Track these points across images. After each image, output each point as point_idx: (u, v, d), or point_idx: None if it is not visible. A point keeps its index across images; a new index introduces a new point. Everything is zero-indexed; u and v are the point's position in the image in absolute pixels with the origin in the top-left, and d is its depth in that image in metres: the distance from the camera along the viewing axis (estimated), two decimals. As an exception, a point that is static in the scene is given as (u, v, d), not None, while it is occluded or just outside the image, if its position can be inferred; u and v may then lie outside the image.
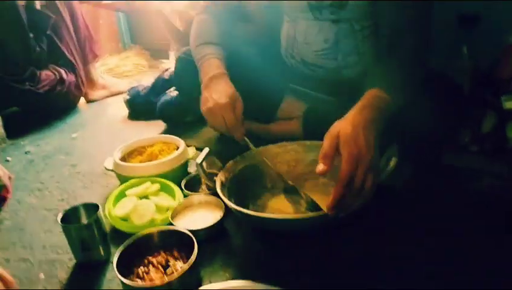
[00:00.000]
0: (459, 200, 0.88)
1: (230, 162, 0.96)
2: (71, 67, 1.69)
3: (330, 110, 1.10)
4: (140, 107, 1.62)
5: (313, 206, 0.86)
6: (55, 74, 1.63)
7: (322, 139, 0.97)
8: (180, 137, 1.16)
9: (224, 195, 0.83)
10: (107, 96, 1.89)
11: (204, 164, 0.94)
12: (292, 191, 0.94)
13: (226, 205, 0.85)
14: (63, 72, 1.65)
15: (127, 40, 2.50)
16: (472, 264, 0.72)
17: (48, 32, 1.63)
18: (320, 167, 0.68)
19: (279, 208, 0.92)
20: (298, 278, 0.74)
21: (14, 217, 1.02)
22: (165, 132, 1.46)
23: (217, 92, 0.97)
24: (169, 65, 2.16)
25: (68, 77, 1.67)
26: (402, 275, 0.71)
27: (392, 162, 0.72)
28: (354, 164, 0.66)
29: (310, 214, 0.78)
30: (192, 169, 1.14)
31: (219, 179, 0.88)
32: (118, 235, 0.87)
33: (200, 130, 1.41)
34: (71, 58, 1.69)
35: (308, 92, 1.19)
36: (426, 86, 0.89)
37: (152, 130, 1.48)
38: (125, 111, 1.68)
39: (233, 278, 0.76)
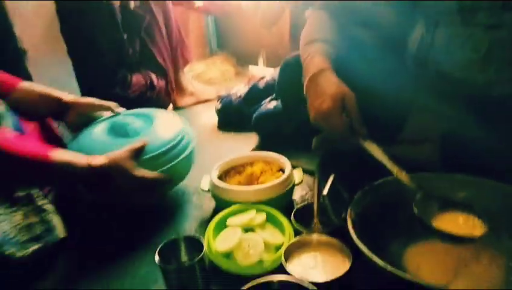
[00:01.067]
0: None
1: (359, 193, 0.76)
2: (162, 72, 1.62)
3: (475, 135, 0.89)
4: (232, 117, 1.51)
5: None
6: (145, 79, 1.56)
7: (464, 170, 0.78)
8: (278, 153, 1.01)
9: (359, 240, 0.64)
10: (195, 104, 1.80)
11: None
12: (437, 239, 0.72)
13: (353, 251, 0.67)
14: (153, 76, 1.58)
15: (214, 46, 2.42)
16: None
17: (141, 34, 1.56)
18: None
19: (423, 260, 0.71)
20: None
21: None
22: (259, 145, 1.31)
23: (317, 96, 0.81)
24: (259, 72, 2.05)
25: (158, 83, 1.59)
26: None
27: None
28: None
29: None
30: (296, 196, 0.97)
31: (349, 217, 0.70)
32: (216, 273, 0.73)
33: (299, 145, 1.24)
34: (162, 63, 1.62)
35: (443, 110, 0.97)
36: None
37: (245, 143, 1.35)
38: (214, 119, 1.57)
39: None
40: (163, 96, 1.62)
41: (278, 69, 1.57)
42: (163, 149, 0.90)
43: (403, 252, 0.73)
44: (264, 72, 1.94)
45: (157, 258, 0.66)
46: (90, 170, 0.74)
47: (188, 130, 1.01)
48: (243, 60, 2.27)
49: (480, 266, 0.68)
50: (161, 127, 0.96)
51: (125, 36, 1.51)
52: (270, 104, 1.37)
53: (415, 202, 0.71)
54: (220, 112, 1.55)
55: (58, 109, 0.97)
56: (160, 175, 0.83)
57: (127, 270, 0.80)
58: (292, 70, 1.10)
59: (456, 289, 0.61)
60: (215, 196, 0.92)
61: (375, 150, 0.78)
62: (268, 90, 1.52)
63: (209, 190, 0.94)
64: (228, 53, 2.32)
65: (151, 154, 0.87)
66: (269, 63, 2.11)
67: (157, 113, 1.02)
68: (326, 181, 0.83)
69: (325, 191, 0.73)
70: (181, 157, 0.93)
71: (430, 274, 0.68)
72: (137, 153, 0.81)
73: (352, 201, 0.74)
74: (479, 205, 0.72)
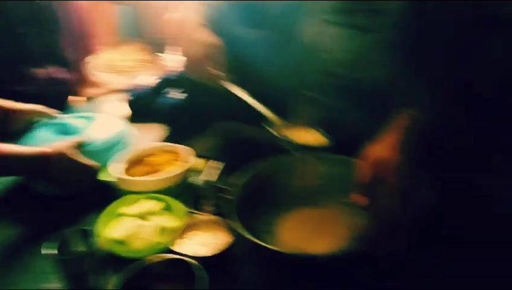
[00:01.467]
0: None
1: (240, 176, 0.87)
2: (66, 64, 1.59)
3: (352, 121, 1.03)
4: (144, 107, 1.51)
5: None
6: (50, 73, 1.53)
7: (343, 152, 0.91)
8: (185, 144, 1.08)
9: (236, 219, 0.75)
10: (103, 95, 1.78)
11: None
12: (306, 208, 0.87)
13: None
14: (57, 69, 1.55)
15: (127, 34, 2.38)
16: None
17: (42, 25, 1.52)
18: (358, 197, 0.66)
19: (291, 229, 0.84)
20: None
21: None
22: (170, 137, 1.36)
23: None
24: (173, 61, 2.07)
25: (63, 75, 1.57)
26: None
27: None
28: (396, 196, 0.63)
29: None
30: (197, 182, 1.05)
31: (231, 200, 0.80)
32: (113, 260, 0.79)
33: (206, 134, 1.32)
34: (69, 55, 1.59)
35: (325, 101, 1.10)
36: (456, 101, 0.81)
37: (155, 134, 1.38)
38: (124, 112, 1.57)
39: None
40: (68, 89, 1.60)
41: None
42: (102, 147, 1.05)
43: (278, 222, 0.86)
44: (176, 60, 1.96)
45: (45, 250, 0.71)
46: (37, 157, 0.92)
47: (128, 130, 1.16)
48: (158, 48, 2.27)
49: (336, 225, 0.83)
50: (101, 127, 1.11)
51: (23, 29, 1.47)
52: (178, 94, 1.42)
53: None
54: (131, 103, 1.55)
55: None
56: (95, 164, 0.99)
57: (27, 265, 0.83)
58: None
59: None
60: (118, 187, 0.98)
61: (240, 93, 0.88)
62: (178, 80, 1.56)
63: (110, 181, 0.99)
64: (143, 41, 2.31)
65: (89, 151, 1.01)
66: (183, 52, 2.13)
67: (99, 115, 1.20)
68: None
69: (214, 178, 0.82)
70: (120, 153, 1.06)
71: (296, 239, 0.81)
72: (78, 146, 0.99)
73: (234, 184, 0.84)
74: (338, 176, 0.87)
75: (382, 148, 0.68)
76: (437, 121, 0.74)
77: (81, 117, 1.16)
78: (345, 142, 0.97)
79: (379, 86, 0.99)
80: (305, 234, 0.82)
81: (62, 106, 1.61)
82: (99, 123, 1.14)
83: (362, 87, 1.00)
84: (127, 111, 1.55)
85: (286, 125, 1.10)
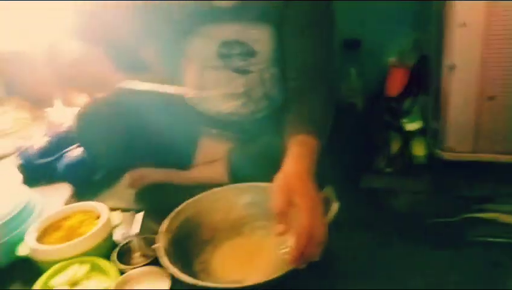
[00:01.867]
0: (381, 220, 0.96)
1: (165, 221, 0.90)
2: None
3: (253, 150, 1.13)
4: (37, 170, 1.44)
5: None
6: None
7: (249, 180, 1.00)
8: (95, 199, 1.08)
9: (170, 264, 0.79)
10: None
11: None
12: (234, 239, 0.93)
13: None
14: None
15: (2, 93, 2.22)
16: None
17: None
18: (281, 227, 0.69)
19: (225, 263, 0.90)
20: None
21: None
22: (75, 195, 1.33)
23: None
24: (58, 115, 1.99)
25: None
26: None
27: (334, 207, 0.75)
28: (313, 213, 0.69)
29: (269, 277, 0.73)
30: (118, 237, 1.06)
31: (161, 247, 0.83)
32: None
33: (114, 186, 1.32)
34: None
35: (225, 133, 1.19)
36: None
37: (57, 194, 1.33)
38: (16, 176, 1.48)
39: None
40: None
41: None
42: (9, 217, 0.99)
43: (211, 259, 0.91)
44: (64, 114, 1.90)
45: None
46: None
47: (32, 196, 1.10)
48: (39, 103, 2.16)
49: (264, 254, 0.90)
50: (3, 196, 1.06)
51: None
52: (76, 150, 1.39)
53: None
54: (22, 168, 1.47)
55: None
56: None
57: None
58: (89, 117, 1.17)
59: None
60: (35, 261, 0.94)
61: (139, 84, 0.92)
62: (71, 135, 1.52)
63: (27, 256, 0.95)
64: (21, 98, 2.18)
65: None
66: (66, 103, 2.06)
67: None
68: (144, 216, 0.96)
69: (136, 230, 0.84)
70: (29, 220, 1.03)
71: (231, 272, 0.86)
72: None
73: (160, 231, 0.87)
74: (259, 203, 0.95)
75: (289, 175, 0.74)
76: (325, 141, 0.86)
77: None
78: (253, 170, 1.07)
79: (266, 116, 1.12)
80: (239, 265, 0.88)
81: None
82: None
83: (250, 121, 1.12)
84: (19, 176, 1.47)
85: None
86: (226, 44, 1.03)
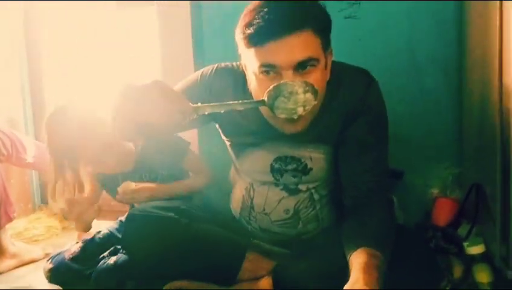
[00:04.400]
0: None
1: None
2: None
3: (300, 268, 1.09)
4: (67, 276, 1.39)
5: None
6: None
7: None
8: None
9: None
10: (17, 267, 1.61)
11: None
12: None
13: None
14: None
15: (38, 200, 2.27)
16: None
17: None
18: None
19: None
20: None
21: None
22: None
23: None
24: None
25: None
26: None
27: None
28: None
29: None
30: None
31: None
32: None
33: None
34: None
35: (272, 249, 1.17)
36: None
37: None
38: (43, 282, 1.42)
39: None
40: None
41: (114, 222, 1.60)
42: None
43: None
44: (96, 225, 1.90)
45: None
46: None
47: None
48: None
49: None
50: None
51: None
52: (110, 259, 1.35)
53: None
54: (51, 273, 1.41)
55: None
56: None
57: None
58: (138, 223, 1.17)
59: None
60: None
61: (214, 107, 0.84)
62: (105, 243, 1.51)
63: None
64: (53, 208, 2.21)
65: None
66: (100, 215, 2.08)
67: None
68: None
69: None
70: None
71: None
72: None
73: None
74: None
75: (359, 285, 0.72)
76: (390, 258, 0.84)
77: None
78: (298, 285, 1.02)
79: (315, 236, 1.11)
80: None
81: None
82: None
83: (300, 240, 1.10)
84: (46, 282, 1.41)
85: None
86: (281, 159, 1.06)
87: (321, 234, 1.12)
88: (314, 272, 1.04)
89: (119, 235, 1.45)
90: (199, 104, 0.80)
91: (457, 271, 1.04)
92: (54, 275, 1.40)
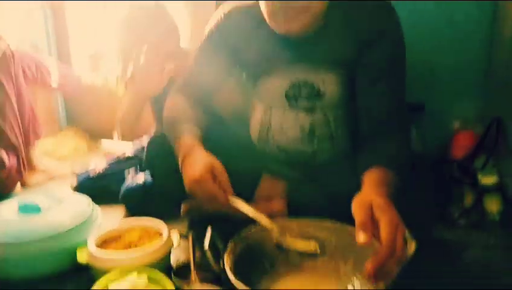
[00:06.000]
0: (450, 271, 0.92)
1: (231, 242, 0.89)
2: (13, 150, 1.53)
3: (313, 190, 1.13)
4: (91, 194, 1.45)
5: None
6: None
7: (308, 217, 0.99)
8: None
9: (238, 281, 0.76)
10: (48, 181, 1.71)
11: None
12: (294, 274, 0.90)
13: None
14: (4, 154, 1.48)
15: (64, 121, 2.36)
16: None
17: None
18: (362, 236, 0.68)
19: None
20: None
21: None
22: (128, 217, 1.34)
23: (190, 168, 0.94)
24: (113, 147, 2.08)
25: (10, 161, 1.49)
26: None
27: (412, 245, 0.72)
28: (395, 230, 0.67)
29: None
30: (174, 258, 1.04)
31: (227, 264, 0.82)
32: None
33: (169, 214, 1.32)
34: (14, 140, 1.53)
35: (286, 172, 1.20)
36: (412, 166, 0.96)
37: (112, 216, 1.34)
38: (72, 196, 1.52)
39: None
40: (14, 174, 1.52)
41: (137, 143, 1.66)
42: (75, 224, 1.02)
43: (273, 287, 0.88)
44: (119, 147, 1.97)
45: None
46: None
47: (96, 213, 1.13)
48: (95, 135, 2.27)
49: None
50: (70, 204, 1.10)
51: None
52: (137, 178, 1.41)
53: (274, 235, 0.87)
54: (77, 189, 1.50)
55: None
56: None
57: None
58: (159, 145, 1.22)
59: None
60: (94, 268, 0.93)
61: (243, 206, 0.92)
62: (130, 164, 1.58)
63: (87, 263, 0.95)
64: (80, 128, 2.29)
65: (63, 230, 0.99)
66: (123, 138, 2.15)
67: (60, 192, 1.17)
68: (199, 240, 0.95)
69: (206, 244, 0.83)
70: (91, 230, 1.05)
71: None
72: None
73: (226, 250, 0.86)
74: (321, 240, 0.94)
75: (370, 194, 0.75)
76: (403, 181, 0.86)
77: (43, 195, 1.11)
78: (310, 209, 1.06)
79: (328, 159, 1.13)
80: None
81: (2, 193, 1.52)
82: (65, 202, 1.10)
83: (314, 162, 1.12)
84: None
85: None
86: (294, 86, 1.07)
87: (336, 160, 1.14)
88: (325, 194, 1.08)
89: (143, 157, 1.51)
90: None
91: (468, 200, 1.06)
92: (79, 191, 1.45)
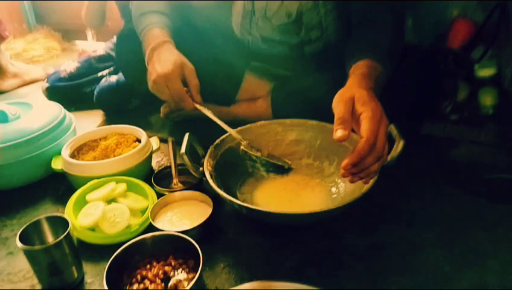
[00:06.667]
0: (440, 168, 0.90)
1: (211, 147, 0.85)
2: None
3: (298, 88, 1.06)
4: (64, 94, 1.37)
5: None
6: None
7: (293, 117, 0.93)
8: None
9: (216, 186, 0.74)
10: (20, 86, 1.62)
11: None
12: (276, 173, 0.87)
13: (213, 199, 0.77)
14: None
15: (32, 21, 2.17)
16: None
17: None
18: (340, 132, 0.61)
19: (267, 196, 0.85)
20: (305, 272, 0.68)
21: None
22: (106, 121, 1.28)
23: (159, 62, 0.87)
24: (88, 47, 1.94)
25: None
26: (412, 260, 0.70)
27: (400, 144, 0.67)
28: (377, 124, 0.61)
29: (322, 208, 0.69)
30: (154, 163, 1.01)
31: (207, 169, 0.78)
32: (83, 249, 0.74)
33: (150, 116, 1.27)
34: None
35: (270, 70, 1.12)
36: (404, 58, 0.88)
37: (90, 120, 1.29)
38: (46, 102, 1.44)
39: (240, 280, 0.68)
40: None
41: (109, 42, 1.54)
42: (46, 129, 0.96)
43: (253, 192, 0.86)
44: (94, 46, 1.84)
45: (19, 243, 0.63)
46: None
47: (70, 119, 1.07)
48: (68, 35, 2.11)
49: (308, 192, 0.85)
50: (40, 111, 1.02)
51: None
52: (111, 78, 1.32)
53: (242, 147, 0.82)
54: (48, 91, 1.39)
55: None
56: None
57: None
58: (130, 41, 1.11)
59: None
60: (70, 175, 0.90)
61: (209, 114, 0.86)
62: (102, 63, 1.47)
63: (62, 170, 0.91)
64: (51, 28, 2.12)
65: (33, 135, 0.93)
66: (98, 37, 2.01)
67: (34, 101, 1.08)
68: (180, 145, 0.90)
69: (183, 149, 0.79)
70: (64, 136, 1.00)
71: (274, 205, 0.82)
72: None
73: (205, 155, 0.83)
74: (306, 141, 0.91)
75: (352, 86, 0.68)
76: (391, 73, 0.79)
77: (14, 103, 1.04)
78: (295, 107, 1.00)
79: (315, 54, 1.04)
80: (282, 199, 0.83)
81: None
82: (36, 109, 1.03)
83: (301, 54, 1.03)
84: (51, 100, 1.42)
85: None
86: None
87: (324, 54, 1.05)
88: (307, 93, 1.01)
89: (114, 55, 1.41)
90: None
91: (462, 94, 1.00)
92: (51, 93, 1.39)
